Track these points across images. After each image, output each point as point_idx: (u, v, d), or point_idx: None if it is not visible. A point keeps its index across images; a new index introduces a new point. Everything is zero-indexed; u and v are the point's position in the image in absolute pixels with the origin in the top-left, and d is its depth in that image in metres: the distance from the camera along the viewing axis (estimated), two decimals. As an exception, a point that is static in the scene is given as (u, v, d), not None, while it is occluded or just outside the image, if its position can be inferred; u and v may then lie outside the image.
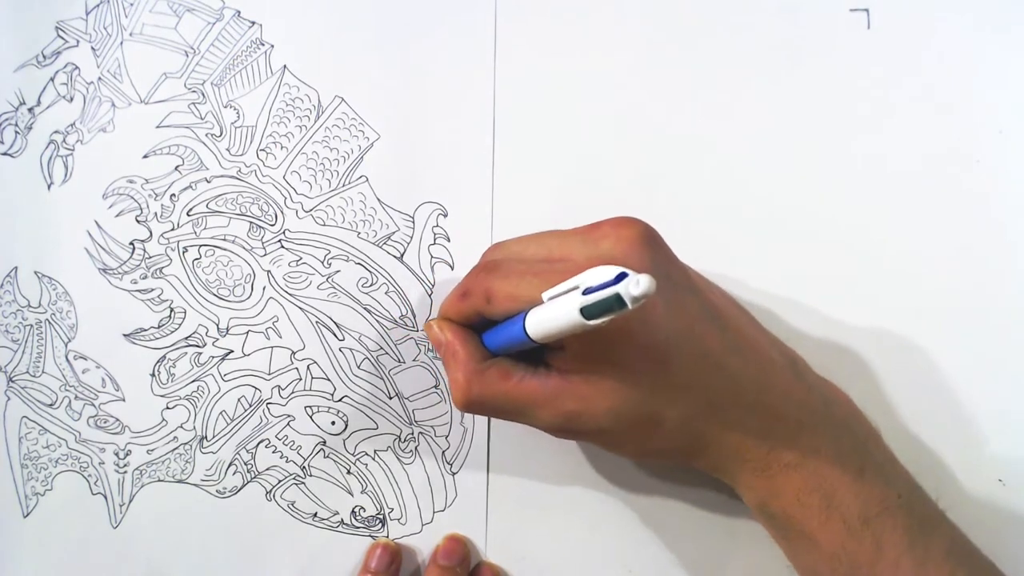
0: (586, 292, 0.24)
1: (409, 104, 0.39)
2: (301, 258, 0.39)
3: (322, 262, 0.39)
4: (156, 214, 0.39)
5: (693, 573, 0.37)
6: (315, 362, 0.38)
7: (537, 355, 0.31)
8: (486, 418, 0.38)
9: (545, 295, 0.28)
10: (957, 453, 0.37)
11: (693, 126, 0.39)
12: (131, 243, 0.39)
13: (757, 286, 0.38)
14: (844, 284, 0.38)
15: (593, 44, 0.40)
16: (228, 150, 0.39)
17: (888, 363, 0.37)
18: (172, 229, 0.39)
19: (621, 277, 0.24)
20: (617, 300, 0.23)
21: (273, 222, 0.39)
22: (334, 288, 0.39)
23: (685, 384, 0.30)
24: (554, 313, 0.26)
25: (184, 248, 0.39)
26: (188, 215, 0.39)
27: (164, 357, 0.39)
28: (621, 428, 0.30)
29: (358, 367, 0.38)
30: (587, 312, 0.24)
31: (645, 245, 0.30)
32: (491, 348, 0.32)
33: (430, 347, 0.38)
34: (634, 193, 0.39)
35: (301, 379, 0.38)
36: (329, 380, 0.38)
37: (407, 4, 0.40)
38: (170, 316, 0.39)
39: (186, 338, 0.39)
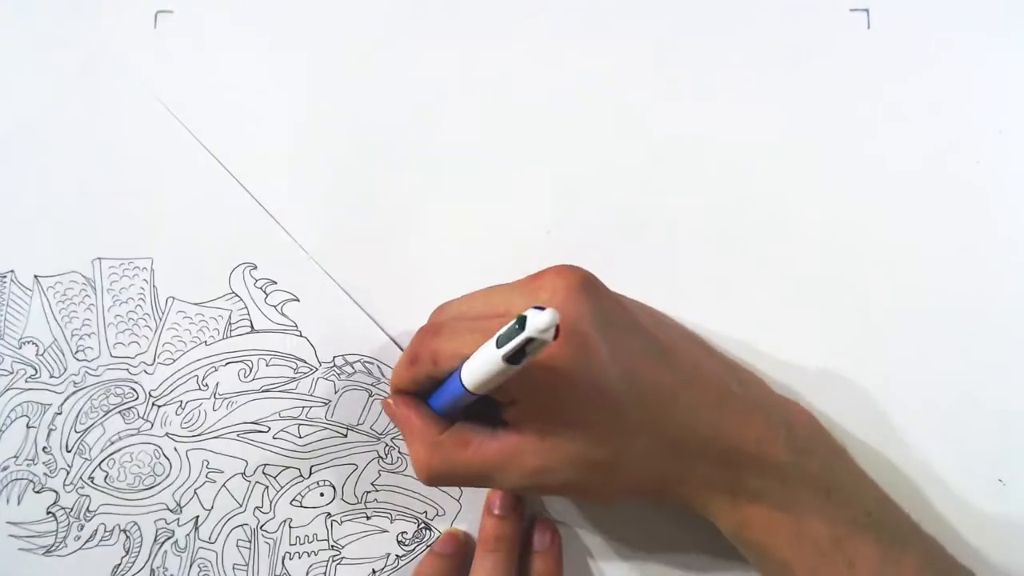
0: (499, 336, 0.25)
1: (152, 219, 0.39)
2: (181, 402, 0.39)
3: (199, 387, 0.39)
4: (45, 474, 0.39)
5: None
6: (267, 464, 0.38)
7: (494, 413, 0.31)
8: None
9: (469, 360, 0.28)
10: (957, 453, 0.37)
11: (692, 126, 0.39)
12: (48, 512, 0.38)
13: (755, 286, 0.38)
14: (844, 284, 0.38)
15: (591, 45, 0.40)
16: (52, 376, 0.39)
17: (888, 363, 0.37)
18: (67, 474, 0.39)
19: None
20: (525, 337, 0.24)
21: (135, 396, 0.39)
22: (225, 399, 0.38)
23: (638, 424, 0.30)
24: (480, 360, 0.26)
25: (90, 478, 0.38)
26: (68, 451, 0.39)
27: (152, 571, 0.38)
28: (583, 477, 0.30)
29: (300, 437, 0.38)
30: (506, 354, 0.24)
31: (582, 292, 0.30)
32: (439, 410, 0.32)
33: (340, 372, 0.38)
34: (630, 195, 0.39)
35: (268, 486, 0.38)
36: (289, 467, 0.38)
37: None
38: (127, 538, 0.38)
39: (155, 540, 0.38)
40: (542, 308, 0.24)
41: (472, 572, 0.36)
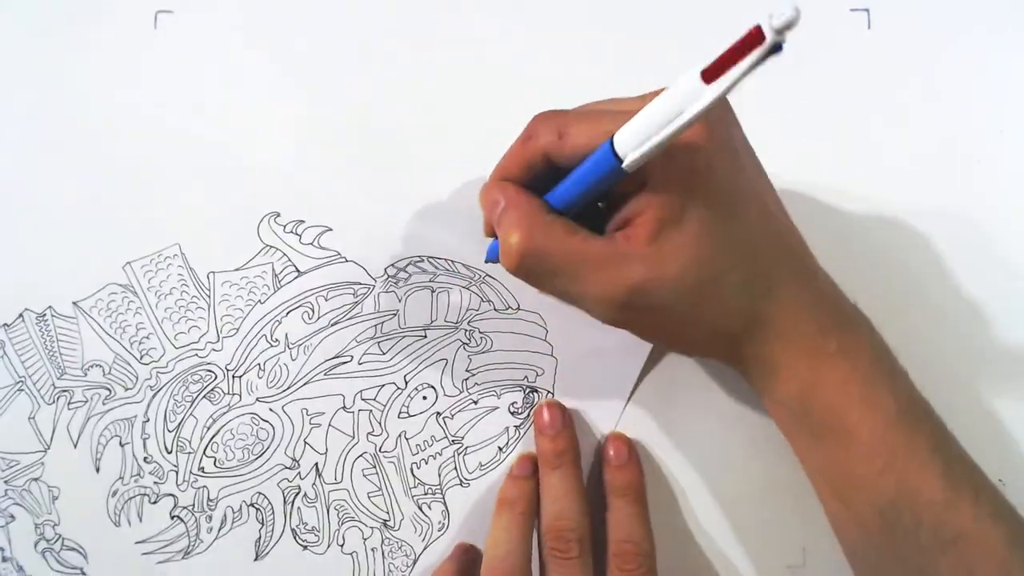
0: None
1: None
2: (260, 365, 0.39)
3: (270, 344, 0.39)
4: (155, 483, 0.38)
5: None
6: (362, 390, 0.38)
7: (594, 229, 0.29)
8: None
9: (624, 127, 0.25)
10: None
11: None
12: (172, 517, 0.38)
13: None
14: (843, 283, 0.36)
15: (589, 39, 0.39)
16: (128, 389, 0.39)
17: None
18: (176, 472, 0.38)
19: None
20: (764, 43, 0.20)
21: (213, 376, 0.39)
22: (300, 346, 0.39)
23: (747, 241, 0.29)
24: (657, 110, 0.23)
25: (200, 468, 0.38)
26: (169, 452, 0.38)
27: (294, 530, 0.38)
28: (684, 301, 0.29)
29: (384, 353, 0.39)
30: (727, 82, 0.21)
31: (731, 111, 0.30)
32: (558, 206, 0.30)
33: (394, 278, 0.39)
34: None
35: (371, 410, 0.38)
36: (384, 385, 0.39)
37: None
38: (258, 511, 0.38)
39: (284, 503, 0.38)
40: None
41: (542, 491, 0.35)
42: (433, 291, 0.39)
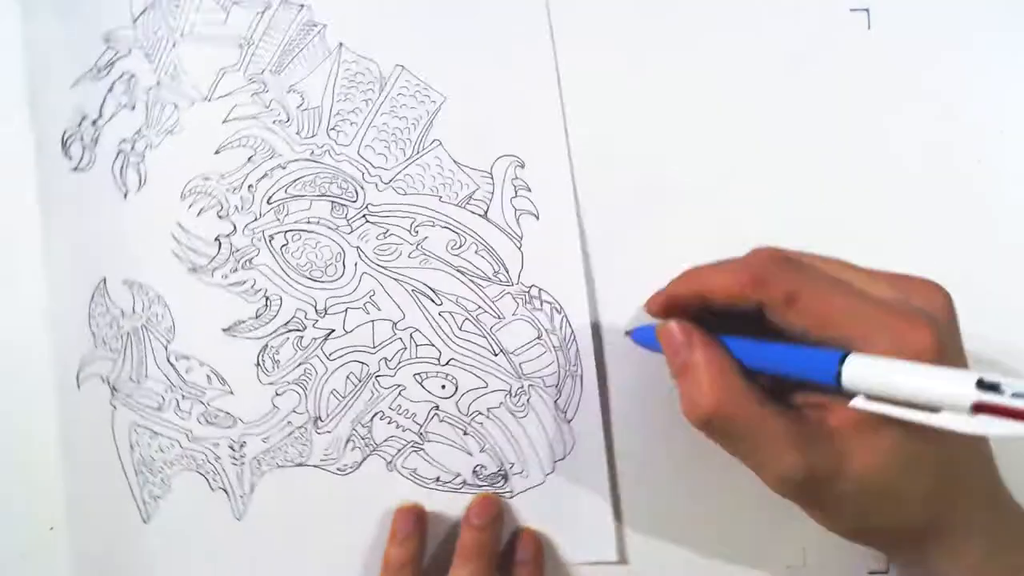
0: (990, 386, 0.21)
1: (470, 63, 0.39)
2: (388, 230, 0.39)
3: (409, 231, 0.39)
4: (236, 207, 0.39)
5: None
6: (417, 330, 0.39)
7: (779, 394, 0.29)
8: (594, 363, 0.38)
9: (875, 360, 0.24)
10: None
11: (690, 126, 0.39)
12: (216, 239, 0.39)
13: None
14: None
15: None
16: (298, 134, 0.39)
17: None
18: (255, 219, 0.39)
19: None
20: None
21: (354, 198, 0.39)
22: (424, 255, 0.39)
23: (942, 456, 0.28)
24: (927, 386, 0.22)
25: (270, 236, 0.39)
26: (268, 203, 0.39)
27: (266, 346, 0.39)
28: (860, 500, 0.27)
29: (460, 328, 0.39)
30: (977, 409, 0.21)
31: (953, 317, 0.28)
32: (746, 363, 0.29)
33: (528, 301, 0.39)
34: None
35: (406, 348, 0.39)
36: (433, 345, 0.39)
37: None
38: (266, 305, 0.39)
39: (285, 324, 0.39)
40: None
41: None
42: (539, 337, 0.39)
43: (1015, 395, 0.21)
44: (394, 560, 0.37)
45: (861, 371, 0.24)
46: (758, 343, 0.28)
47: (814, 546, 0.38)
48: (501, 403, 0.39)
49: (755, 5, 0.39)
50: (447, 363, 0.39)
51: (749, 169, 0.39)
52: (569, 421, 0.38)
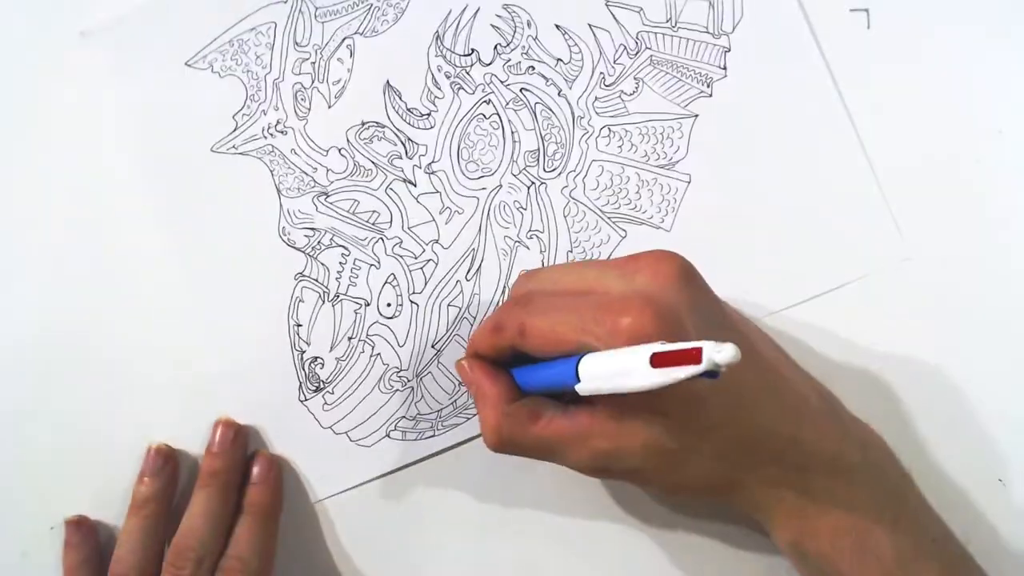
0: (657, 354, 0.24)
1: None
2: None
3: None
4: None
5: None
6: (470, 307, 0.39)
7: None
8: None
9: (591, 357, 0.27)
10: (957, 453, 0.37)
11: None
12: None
13: (750, 287, 0.38)
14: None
15: None
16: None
17: (886, 363, 0.38)
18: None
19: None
20: (702, 370, 0.23)
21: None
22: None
23: (719, 423, 0.30)
24: (619, 374, 0.26)
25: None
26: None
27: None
28: (652, 465, 0.30)
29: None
30: (662, 382, 0.24)
31: (682, 281, 0.29)
32: (524, 386, 0.32)
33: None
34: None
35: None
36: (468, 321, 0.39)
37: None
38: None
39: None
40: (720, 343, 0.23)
41: (188, 508, 0.37)
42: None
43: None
44: (139, 496, 0.37)
45: (586, 371, 0.28)
46: (532, 367, 0.31)
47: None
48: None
49: (754, 5, 0.40)
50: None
51: (745, 170, 0.39)
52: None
